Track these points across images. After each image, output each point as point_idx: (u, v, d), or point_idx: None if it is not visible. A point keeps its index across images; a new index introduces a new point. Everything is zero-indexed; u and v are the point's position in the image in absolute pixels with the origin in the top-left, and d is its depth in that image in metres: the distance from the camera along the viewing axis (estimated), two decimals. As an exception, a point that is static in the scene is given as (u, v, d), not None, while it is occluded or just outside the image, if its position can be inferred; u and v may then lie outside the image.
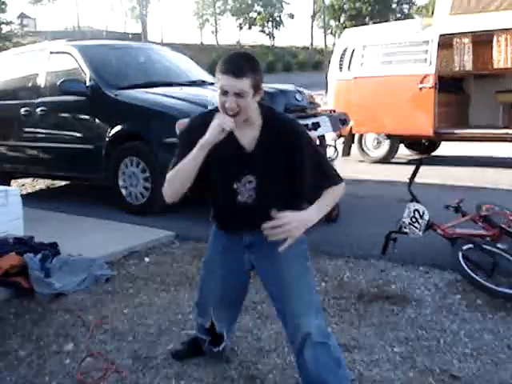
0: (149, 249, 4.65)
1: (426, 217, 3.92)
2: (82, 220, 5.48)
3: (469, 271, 3.57)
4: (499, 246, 3.90)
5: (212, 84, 6.74)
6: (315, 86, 22.34)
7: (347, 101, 8.78)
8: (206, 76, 6.99)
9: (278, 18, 61.44)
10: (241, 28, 58.36)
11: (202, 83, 6.54)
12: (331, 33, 60.65)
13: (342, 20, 62.08)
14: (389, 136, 8.95)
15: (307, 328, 2.15)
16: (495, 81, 8.67)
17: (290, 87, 5.11)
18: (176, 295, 3.75)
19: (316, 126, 4.92)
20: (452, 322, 3.27)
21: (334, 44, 34.91)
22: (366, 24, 49.27)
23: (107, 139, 5.71)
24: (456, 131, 8.41)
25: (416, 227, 3.95)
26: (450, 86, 8.78)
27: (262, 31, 62.11)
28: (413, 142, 9.74)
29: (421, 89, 8.16)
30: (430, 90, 8.12)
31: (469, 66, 8.26)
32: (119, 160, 5.68)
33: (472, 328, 3.18)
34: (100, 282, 3.94)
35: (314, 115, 5.02)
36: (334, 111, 5.41)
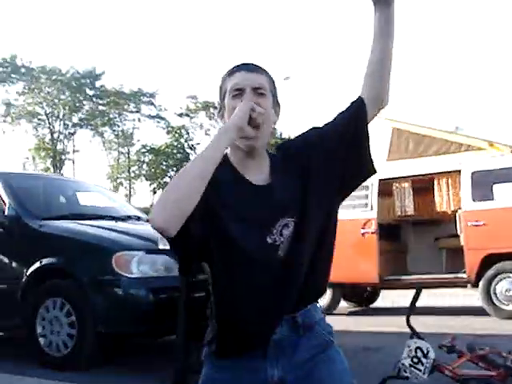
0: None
1: (432, 355, 3.26)
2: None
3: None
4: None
5: (147, 221, 6.10)
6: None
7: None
8: (138, 213, 6.34)
9: (191, 184, 63.03)
10: (154, 192, 58.94)
11: (138, 219, 5.87)
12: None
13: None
14: (330, 285, 8.43)
15: None
16: (434, 227, 8.55)
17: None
18: None
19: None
20: None
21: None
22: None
23: (25, 277, 4.78)
24: (403, 277, 8.03)
25: (419, 369, 3.25)
26: (388, 232, 8.55)
27: (175, 197, 63.18)
28: (353, 294, 9.22)
29: (363, 234, 7.84)
30: (373, 236, 7.82)
31: (410, 211, 8.12)
32: (39, 302, 4.72)
33: None
34: None
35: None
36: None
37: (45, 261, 4.75)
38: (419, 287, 3.36)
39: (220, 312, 1.54)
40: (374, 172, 1.67)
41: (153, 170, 56.63)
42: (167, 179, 59.95)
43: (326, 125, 1.61)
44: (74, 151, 47.13)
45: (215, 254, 1.48)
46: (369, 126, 1.61)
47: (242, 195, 1.50)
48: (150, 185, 60.50)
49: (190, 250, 1.52)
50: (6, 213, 5.08)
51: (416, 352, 3.27)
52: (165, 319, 4.43)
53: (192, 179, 1.39)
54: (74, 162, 45.88)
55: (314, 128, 1.63)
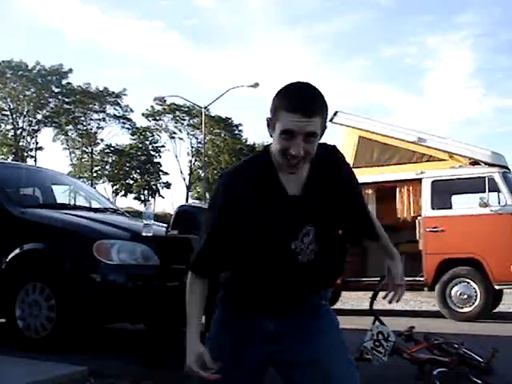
0: (58, 386, 3.81)
1: (392, 339, 3.56)
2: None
3: (449, 396, 3.20)
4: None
5: (123, 214, 6.31)
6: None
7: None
8: (112, 205, 6.54)
9: (154, 187, 62.53)
10: (117, 194, 58.48)
11: (114, 211, 6.07)
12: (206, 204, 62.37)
13: (216, 192, 64.28)
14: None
15: None
16: (394, 233, 8.91)
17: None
18: None
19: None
20: None
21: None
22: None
23: (6, 262, 4.92)
24: (363, 279, 8.38)
25: (380, 352, 3.55)
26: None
27: (138, 198, 62.59)
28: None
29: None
30: (337, 239, 8.14)
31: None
32: (19, 286, 4.86)
33: None
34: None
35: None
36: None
37: (26, 246, 4.89)
38: (382, 275, 3.65)
39: (237, 290, 1.86)
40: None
41: (116, 170, 56.31)
42: (130, 181, 59.72)
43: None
44: (36, 148, 46.58)
45: (242, 256, 1.78)
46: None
47: (274, 206, 1.73)
48: (113, 186, 60.02)
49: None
50: (-14, 201, 5.21)
51: (378, 336, 3.57)
52: (142, 306, 4.65)
53: None
54: (36, 160, 45.24)
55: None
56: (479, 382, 3.43)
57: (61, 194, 6.11)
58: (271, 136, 1.71)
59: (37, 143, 46.64)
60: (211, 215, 1.77)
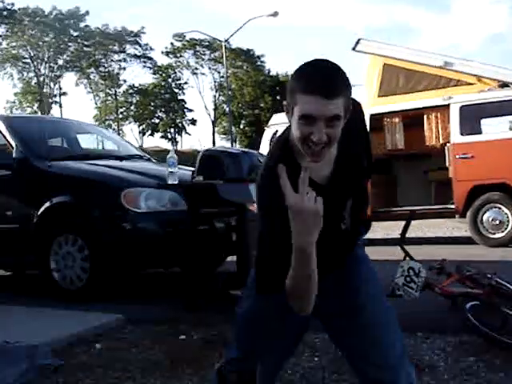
0: (97, 335, 3.91)
1: (423, 274, 3.55)
2: (8, 310, 4.62)
3: (482, 327, 3.21)
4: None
5: (149, 159, 6.31)
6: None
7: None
8: (140, 152, 6.54)
9: (180, 124, 62.55)
10: (143, 134, 58.72)
11: (139, 157, 6.08)
12: (232, 138, 62.48)
13: (241, 126, 64.20)
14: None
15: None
16: (424, 160, 8.81)
17: (252, 150, 4.79)
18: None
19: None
20: (478, 385, 2.84)
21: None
22: (263, 129, 51.35)
23: (37, 216, 5.00)
24: (393, 209, 8.35)
25: (412, 287, 3.55)
26: (379, 167, 8.80)
27: (164, 137, 62.81)
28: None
29: (355, 169, 8.08)
30: (365, 170, 8.07)
31: (400, 145, 8.36)
32: (51, 239, 4.96)
33: (503, 390, 2.77)
34: (46, 373, 3.18)
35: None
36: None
37: (55, 199, 4.96)
38: (410, 215, 3.62)
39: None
40: None
41: (141, 111, 56.30)
42: (156, 120, 59.72)
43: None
44: (60, 94, 46.72)
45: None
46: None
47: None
48: (139, 126, 60.19)
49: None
50: (14, 155, 5.25)
51: (409, 272, 3.56)
52: (173, 251, 4.72)
53: (304, 290, 1.50)
54: (61, 106, 45.53)
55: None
56: (511, 312, 3.40)
57: (87, 144, 6.11)
58: (290, 122, 1.55)
59: (60, 89, 46.77)
60: (261, 219, 1.63)
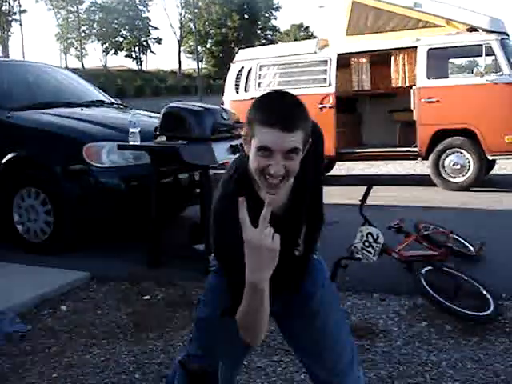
0: (62, 294, 3.98)
1: (381, 240, 3.65)
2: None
3: (435, 295, 3.36)
4: (447, 265, 3.79)
5: (112, 104, 6.18)
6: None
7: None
8: (101, 96, 6.38)
9: (144, 43, 60.85)
10: (107, 53, 57.01)
11: (101, 104, 5.95)
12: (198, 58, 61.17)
13: (208, 45, 62.80)
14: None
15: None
16: (389, 100, 8.82)
17: (214, 106, 4.71)
18: (111, 350, 3.16)
19: (244, 147, 4.54)
20: (429, 352, 3.02)
21: (199, 69, 34.77)
22: (232, 49, 50.42)
23: (-3, 168, 4.92)
24: (357, 150, 8.42)
25: (370, 252, 3.66)
26: (345, 105, 8.80)
27: (129, 56, 61.16)
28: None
29: (321, 109, 8.07)
30: (331, 110, 8.07)
31: (367, 86, 8.34)
32: (13, 192, 4.91)
33: (452, 358, 2.95)
34: (14, 340, 3.25)
35: (241, 135, 4.64)
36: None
37: (16, 152, 4.88)
38: (370, 183, 3.67)
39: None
40: None
41: (104, 29, 54.39)
42: (119, 38, 57.87)
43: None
44: (20, 12, 44.65)
45: None
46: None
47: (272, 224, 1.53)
48: (103, 45, 58.35)
49: None
50: (-30, 105, 5.07)
51: (367, 237, 3.66)
52: (136, 205, 4.73)
53: (255, 321, 1.50)
54: (21, 24, 43.62)
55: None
56: (465, 277, 3.56)
57: (48, 90, 5.89)
58: (247, 154, 1.55)
59: (20, 6, 44.64)
60: (221, 252, 1.61)
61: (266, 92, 1.56)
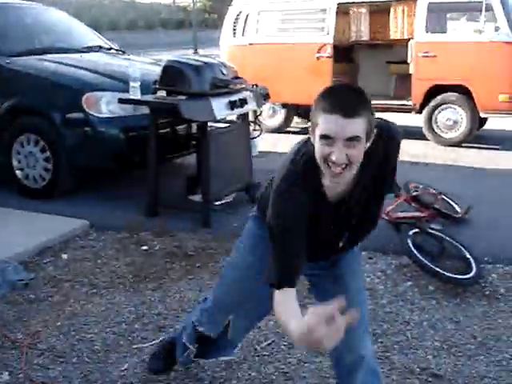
0: (63, 242, 4.11)
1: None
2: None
3: (420, 257, 3.53)
4: (433, 226, 3.93)
5: (110, 49, 6.15)
6: (184, 45, 21.60)
7: (241, 68, 8.43)
8: (99, 40, 6.33)
9: (139, -26, 58.96)
10: (99, -18, 55.27)
11: (99, 49, 5.93)
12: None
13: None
14: (284, 105, 8.79)
15: (363, 351, 1.91)
16: (387, 51, 8.77)
17: (214, 60, 4.71)
18: (111, 300, 3.33)
19: (243, 102, 4.59)
20: (411, 312, 3.21)
21: (194, 2, 33.82)
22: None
23: (-3, 114, 4.95)
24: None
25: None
26: (342, 55, 8.76)
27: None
28: (307, 112, 9.65)
29: (318, 58, 8.04)
30: (328, 60, 8.03)
31: (365, 36, 8.29)
32: (13, 138, 4.97)
33: (432, 318, 3.14)
34: (18, 288, 3.40)
35: (239, 91, 4.68)
36: (257, 85, 5.08)
37: (16, 99, 4.91)
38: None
39: None
40: None
41: (97, -43, 52.62)
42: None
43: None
44: None
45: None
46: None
47: (318, 213, 1.70)
48: (95, -26, 56.41)
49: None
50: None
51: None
52: (134, 155, 4.81)
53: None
54: None
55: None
56: (450, 240, 3.71)
57: (44, 34, 5.81)
58: (313, 144, 1.61)
59: None
60: (279, 222, 1.65)
61: (331, 85, 1.67)
